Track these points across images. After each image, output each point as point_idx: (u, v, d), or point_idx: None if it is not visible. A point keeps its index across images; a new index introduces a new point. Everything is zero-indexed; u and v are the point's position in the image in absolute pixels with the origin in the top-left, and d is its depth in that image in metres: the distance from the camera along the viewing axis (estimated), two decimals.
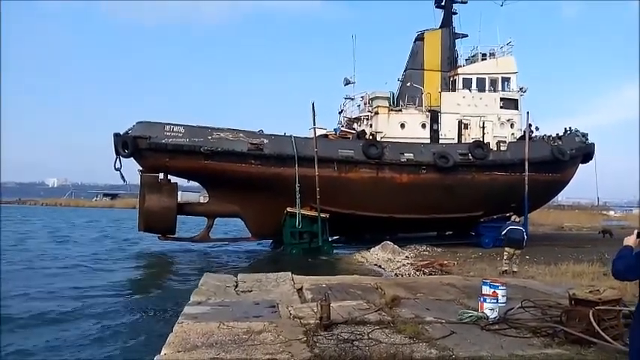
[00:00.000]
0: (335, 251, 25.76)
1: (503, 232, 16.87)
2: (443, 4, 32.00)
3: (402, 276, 17.40)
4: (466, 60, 31.55)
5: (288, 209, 25.20)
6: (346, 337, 6.49)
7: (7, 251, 25.02)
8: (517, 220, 18.46)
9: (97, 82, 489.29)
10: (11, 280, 17.09)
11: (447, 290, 10.43)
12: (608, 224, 45.42)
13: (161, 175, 25.57)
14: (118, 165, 24.96)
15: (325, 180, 24.87)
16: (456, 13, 31.97)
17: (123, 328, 11.18)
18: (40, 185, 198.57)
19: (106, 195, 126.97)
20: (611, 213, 75.12)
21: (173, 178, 26.25)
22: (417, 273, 18.07)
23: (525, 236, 16.92)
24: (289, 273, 11.84)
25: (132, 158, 25.06)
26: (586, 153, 31.11)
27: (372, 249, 23.68)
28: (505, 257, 16.76)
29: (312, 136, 25.74)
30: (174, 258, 25.04)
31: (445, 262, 19.85)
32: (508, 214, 20.52)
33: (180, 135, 24.68)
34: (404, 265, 20.08)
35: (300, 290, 10.08)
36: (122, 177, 25.86)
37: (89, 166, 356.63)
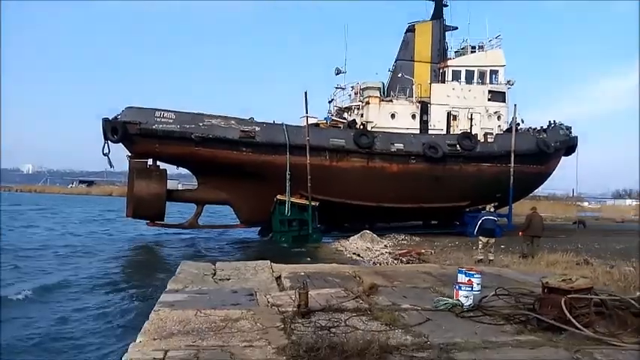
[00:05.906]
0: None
1: (478, 222, 17.22)
2: None
3: (380, 264, 17.47)
4: (456, 52, 31.78)
5: (278, 197, 25.21)
6: (323, 325, 6.51)
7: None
8: (491, 209, 18.90)
9: (80, 67, 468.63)
10: None
11: (423, 278, 10.49)
12: (583, 215, 45.94)
13: (150, 161, 25.44)
14: (106, 150, 24.82)
15: (316, 168, 24.96)
16: (446, 6, 32.17)
17: (98, 315, 11.18)
18: (14, 171, 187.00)
19: (82, 182, 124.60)
20: (586, 204, 75.94)
21: (162, 165, 26.13)
22: (395, 262, 18.21)
23: (495, 226, 17.45)
24: (268, 261, 11.76)
25: (120, 144, 24.92)
26: (569, 146, 31.63)
27: (351, 238, 23.67)
28: (480, 246, 17.16)
29: (304, 124, 25.77)
30: (160, 245, 24.99)
31: (423, 250, 20.00)
32: (491, 204, 20.82)
33: (171, 121, 24.61)
34: (382, 253, 20.24)
35: (278, 278, 10.02)
36: (109, 162, 25.68)
37: (65, 152, 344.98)
